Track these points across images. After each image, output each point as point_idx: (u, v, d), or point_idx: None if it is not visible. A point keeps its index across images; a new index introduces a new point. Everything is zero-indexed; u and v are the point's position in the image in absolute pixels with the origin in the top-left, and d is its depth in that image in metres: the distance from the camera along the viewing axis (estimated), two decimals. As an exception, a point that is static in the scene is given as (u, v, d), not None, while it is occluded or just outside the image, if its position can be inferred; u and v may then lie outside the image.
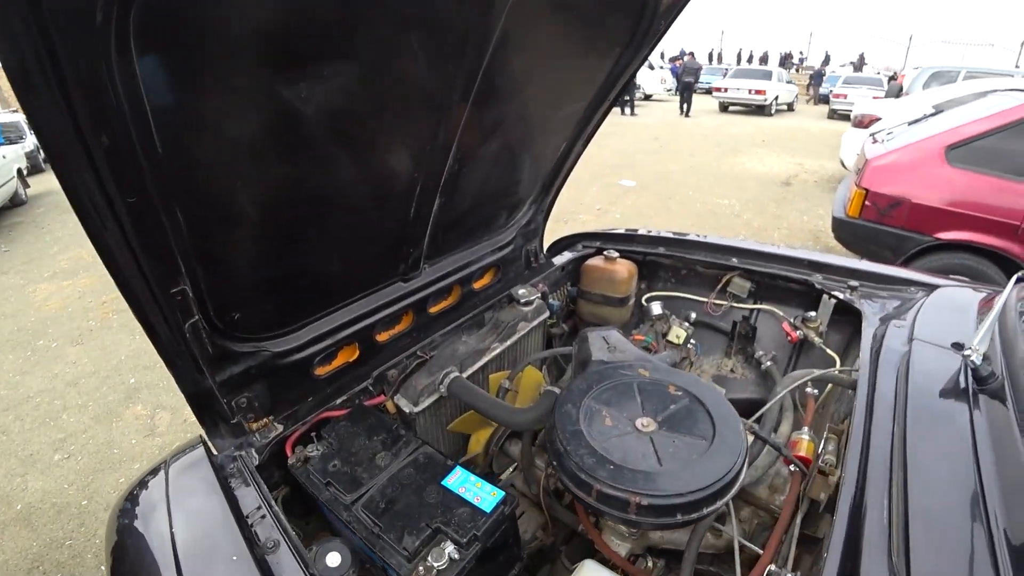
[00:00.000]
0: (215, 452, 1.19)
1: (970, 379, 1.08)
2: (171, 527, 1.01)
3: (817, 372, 1.40)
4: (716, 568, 1.27)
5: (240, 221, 1.03)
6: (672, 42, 33.65)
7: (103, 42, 0.65)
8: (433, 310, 1.66)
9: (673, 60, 28.44)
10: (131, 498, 1.12)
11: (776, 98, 17.46)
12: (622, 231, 2.33)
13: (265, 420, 1.25)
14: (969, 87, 7.08)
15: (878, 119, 7.48)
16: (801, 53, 31.35)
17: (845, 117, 13.25)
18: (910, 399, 1.08)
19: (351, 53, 0.95)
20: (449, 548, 1.00)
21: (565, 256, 2.20)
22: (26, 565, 2.36)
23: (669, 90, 22.90)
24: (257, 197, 1.01)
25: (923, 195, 3.73)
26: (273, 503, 1.06)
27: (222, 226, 1.00)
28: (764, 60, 30.73)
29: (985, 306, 1.47)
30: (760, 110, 17.30)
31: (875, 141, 4.53)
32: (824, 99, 19.66)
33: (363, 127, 1.09)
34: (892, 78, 17.05)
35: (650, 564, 1.25)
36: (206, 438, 1.21)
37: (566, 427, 1.10)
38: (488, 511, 1.05)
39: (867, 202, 3.94)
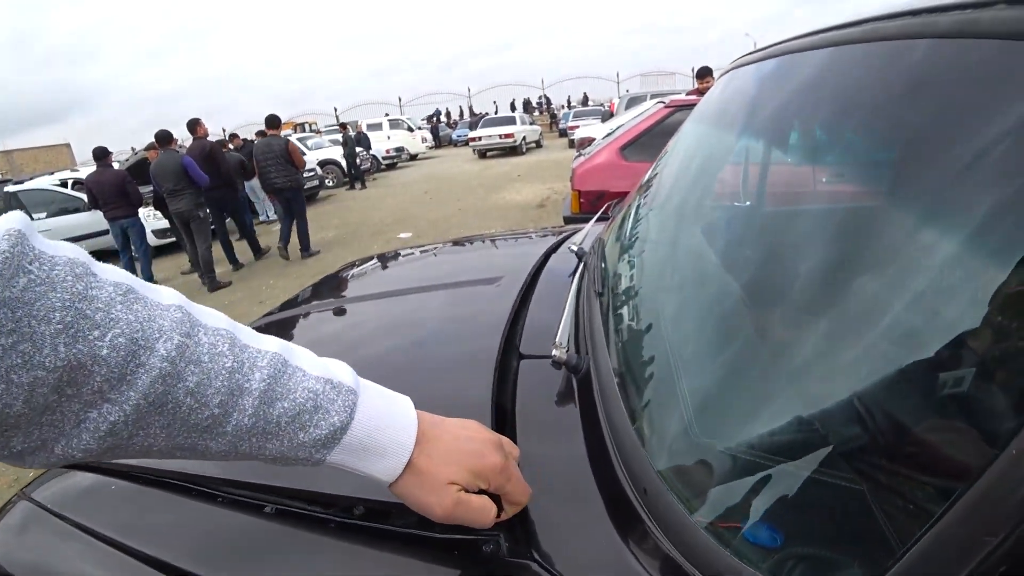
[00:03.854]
0: None
1: None
2: None
3: None
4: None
5: None
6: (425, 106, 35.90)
7: None
8: None
9: (429, 119, 30.50)
10: None
11: (524, 138, 19.85)
12: None
13: None
14: (650, 105, 9.04)
15: (593, 139, 9.13)
16: (540, 98, 35.60)
17: (579, 145, 15.71)
18: None
19: None
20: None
21: None
22: None
23: (431, 147, 24.59)
24: None
25: (614, 184, 4.84)
26: None
27: None
28: (513, 107, 33.91)
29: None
30: (513, 151, 19.48)
31: (578, 155, 5.71)
32: (563, 132, 22.80)
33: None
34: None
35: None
36: None
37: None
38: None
39: (581, 199, 4.98)
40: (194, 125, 7.70)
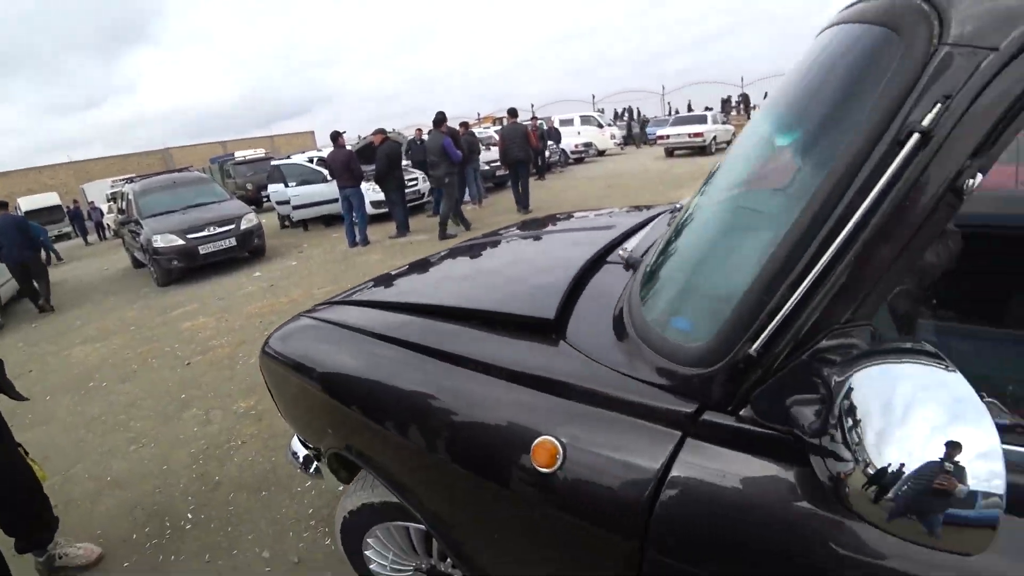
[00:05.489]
0: None
1: None
2: None
3: None
4: None
5: None
6: (617, 104, 35.97)
7: None
8: None
9: (619, 116, 30.71)
10: None
11: (714, 138, 19.21)
12: None
13: None
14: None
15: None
16: (739, 97, 33.72)
17: (772, 147, 14.80)
18: None
19: None
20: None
21: None
22: (125, 510, 3.09)
23: (619, 144, 24.87)
24: None
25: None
26: None
27: None
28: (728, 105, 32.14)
29: None
30: (701, 151, 18.99)
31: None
32: (759, 135, 21.49)
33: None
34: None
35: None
36: None
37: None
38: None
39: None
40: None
